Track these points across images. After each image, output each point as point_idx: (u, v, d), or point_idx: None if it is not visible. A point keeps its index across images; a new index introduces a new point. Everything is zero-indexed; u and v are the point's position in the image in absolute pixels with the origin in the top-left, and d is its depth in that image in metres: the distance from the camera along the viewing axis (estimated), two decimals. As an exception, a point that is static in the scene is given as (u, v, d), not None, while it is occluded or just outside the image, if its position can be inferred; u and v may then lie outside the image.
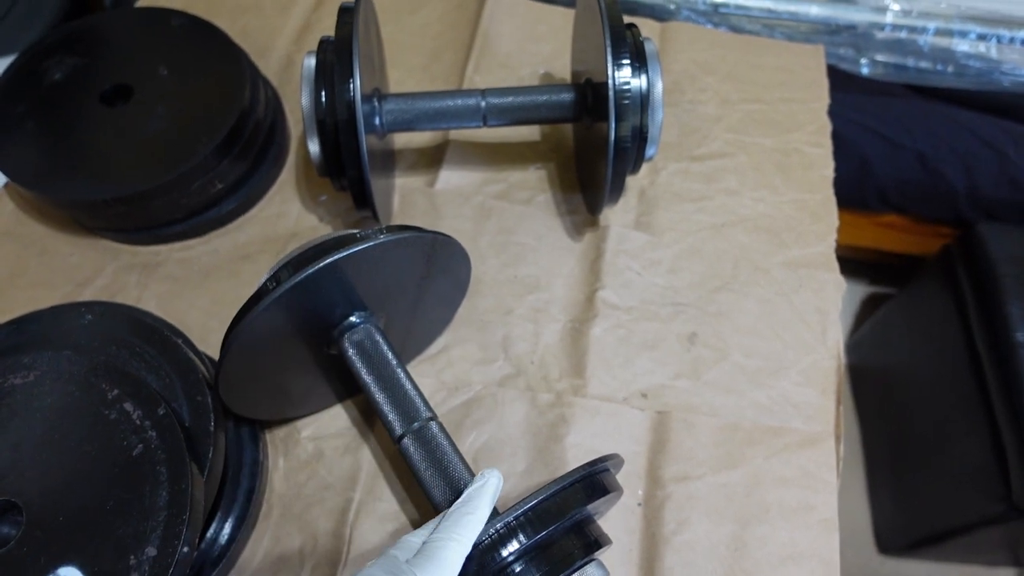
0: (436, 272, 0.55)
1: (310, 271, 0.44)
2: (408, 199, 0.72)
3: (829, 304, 0.67)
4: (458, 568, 0.40)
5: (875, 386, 1.35)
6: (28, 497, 0.42)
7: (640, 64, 0.58)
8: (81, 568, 0.40)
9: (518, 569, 0.41)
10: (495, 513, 0.46)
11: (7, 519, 0.43)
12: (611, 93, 0.55)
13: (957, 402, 1.07)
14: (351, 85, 0.55)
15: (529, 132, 0.77)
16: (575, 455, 0.59)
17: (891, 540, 1.26)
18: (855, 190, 1.14)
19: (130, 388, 0.45)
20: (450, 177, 0.73)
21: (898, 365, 1.27)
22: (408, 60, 0.82)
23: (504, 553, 0.40)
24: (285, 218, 0.71)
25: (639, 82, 0.58)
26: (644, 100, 0.58)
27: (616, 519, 0.56)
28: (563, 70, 0.81)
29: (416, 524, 0.56)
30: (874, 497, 1.31)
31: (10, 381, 0.45)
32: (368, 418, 0.61)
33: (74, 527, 0.42)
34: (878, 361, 1.34)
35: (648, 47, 0.59)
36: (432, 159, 0.74)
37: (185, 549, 0.41)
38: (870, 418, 1.35)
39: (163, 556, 0.40)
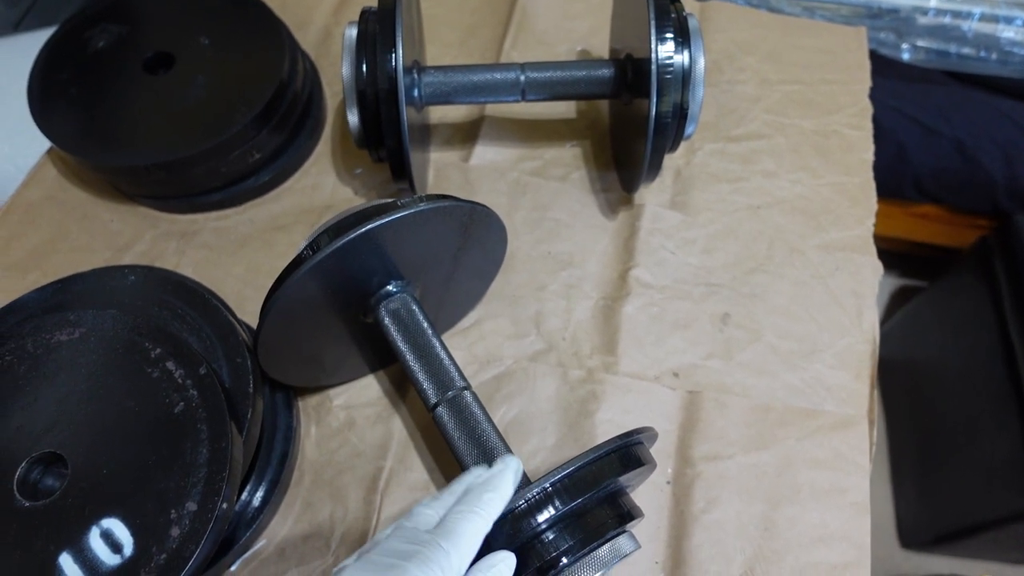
0: (472, 244, 0.55)
1: (352, 236, 0.45)
2: (443, 174, 0.72)
3: (866, 287, 0.66)
4: (479, 543, 0.39)
5: (903, 379, 1.33)
6: (72, 450, 0.43)
7: (683, 39, 0.57)
8: (123, 520, 0.41)
9: (551, 536, 0.41)
10: (526, 483, 0.46)
11: (52, 471, 0.44)
12: (653, 68, 0.54)
13: (988, 397, 1.05)
14: (393, 55, 0.55)
15: (565, 109, 0.77)
16: (605, 431, 0.59)
17: (914, 535, 1.25)
18: (891, 178, 1.12)
19: (172, 347, 0.46)
20: (485, 152, 0.73)
21: (928, 358, 1.26)
22: (444, 36, 0.82)
23: (538, 519, 0.40)
24: (320, 190, 0.72)
25: (681, 58, 0.57)
26: (686, 76, 0.58)
27: (645, 496, 0.56)
28: (600, 48, 0.80)
29: (445, 494, 0.57)
30: (898, 491, 1.30)
31: (56, 337, 0.46)
32: (399, 389, 0.61)
33: (117, 480, 0.42)
34: (907, 354, 1.32)
35: (691, 23, 0.59)
36: (467, 134, 0.74)
37: (224, 505, 0.42)
38: (896, 411, 1.34)
39: (203, 511, 0.41)
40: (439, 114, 0.76)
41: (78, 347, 0.46)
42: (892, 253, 1.38)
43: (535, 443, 0.59)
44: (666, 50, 0.55)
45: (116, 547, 0.40)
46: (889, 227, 1.23)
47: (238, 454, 0.44)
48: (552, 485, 0.41)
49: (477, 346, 0.63)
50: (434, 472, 0.58)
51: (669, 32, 0.55)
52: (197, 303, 0.52)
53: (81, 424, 0.44)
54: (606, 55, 0.76)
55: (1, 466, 0.42)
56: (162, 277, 0.53)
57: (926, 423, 1.23)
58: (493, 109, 0.76)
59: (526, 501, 0.40)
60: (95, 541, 0.40)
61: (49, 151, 0.74)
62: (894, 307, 1.48)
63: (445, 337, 0.63)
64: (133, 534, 0.41)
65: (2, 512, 0.41)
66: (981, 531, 1.06)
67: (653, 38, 0.54)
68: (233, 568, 0.53)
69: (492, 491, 0.41)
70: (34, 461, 0.43)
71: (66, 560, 0.40)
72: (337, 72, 0.79)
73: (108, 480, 0.42)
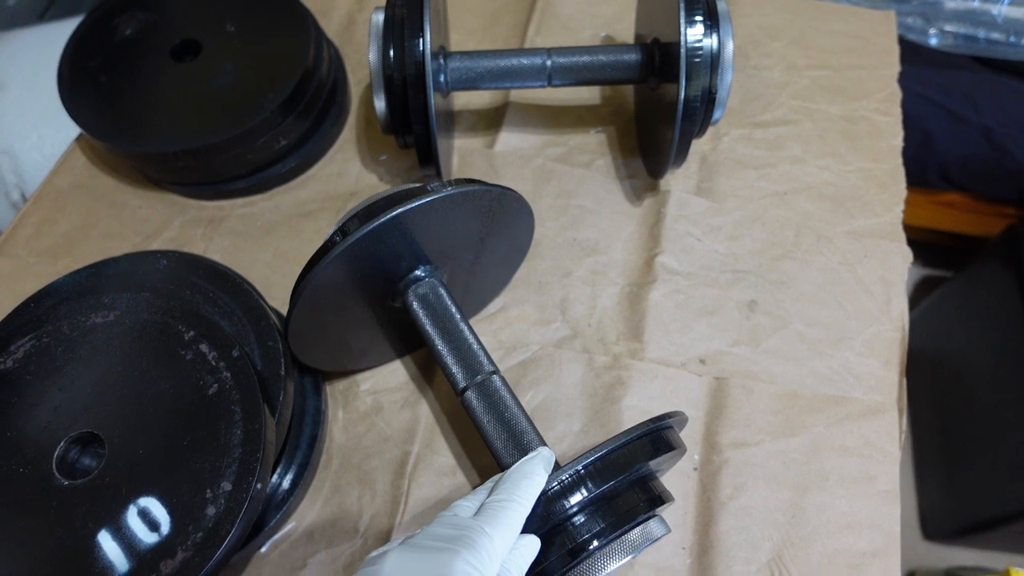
0: (498, 229, 0.55)
1: (382, 219, 0.45)
2: (467, 160, 0.72)
3: (895, 275, 0.66)
4: (520, 528, 0.40)
5: (926, 370, 1.32)
6: (109, 430, 0.44)
7: (712, 23, 0.57)
8: (160, 499, 0.42)
9: (582, 519, 0.42)
10: (556, 467, 0.46)
11: (89, 451, 0.45)
12: (683, 51, 0.54)
13: (1016, 389, 1.04)
14: (420, 40, 0.55)
15: (589, 95, 0.76)
16: (631, 417, 0.59)
17: (937, 526, 1.24)
18: (916, 167, 1.10)
19: (205, 330, 0.46)
20: (509, 139, 0.73)
21: (952, 349, 1.24)
22: (467, 22, 0.81)
23: (570, 502, 0.41)
24: (345, 176, 0.72)
25: (710, 41, 0.56)
26: (714, 60, 0.57)
27: (672, 482, 0.56)
28: (625, 34, 0.80)
29: (472, 480, 0.57)
30: (921, 483, 1.29)
31: (92, 320, 0.47)
32: (426, 374, 0.62)
33: (153, 460, 0.43)
34: (930, 345, 1.31)
35: (720, 6, 0.58)
36: (491, 121, 0.74)
37: (259, 485, 0.42)
38: (919, 402, 1.33)
39: (238, 491, 0.42)
40: (463, 100, 0.76)
41: (113, 330, 0.47)
42: (915, 242, 1.36)
43: (561, 429, 0.59)
44: (695, 33, 0.54)
45: (153, 525, 0.41)
46: (913, 216, 1.21)
47: (271, 435, 0.45)
48: (584, 467, 0.41)
49: (503, 332, 0.63)
50: (461, 457, 0.58)
51: (698, 15, 0.55)
52: (228, 287, 0.52)
53: (117, 405, 0.45)
54: (631, 41, 0.76)
55: (40, 445, 0.43)
56: (193, 261, 0.54)
57: (950, 414, 1.22)
58: (517, 95, 0.76)
59: (559, 483, 0.41)
60: (133, 519, 0.41)
61: (78, 138, 0.75)
62: (917, 297, 1.46)
63: (471, 323, 0.63)
64: (170, 513, 0.41)
65: (42, 490, 0.42)
66: (1006, 523, 1.05)
67: (682, 21, 0.54)
68: (263, 550, 0.54)
69: (528, 478, 0.41)
70: (72, 440, 0.44)
71: (104, 537, 0.41)
72: (361, 60, 0.79)
73: (144, 460, 0.43)
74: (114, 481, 0.42)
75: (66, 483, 0.42)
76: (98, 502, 0.42)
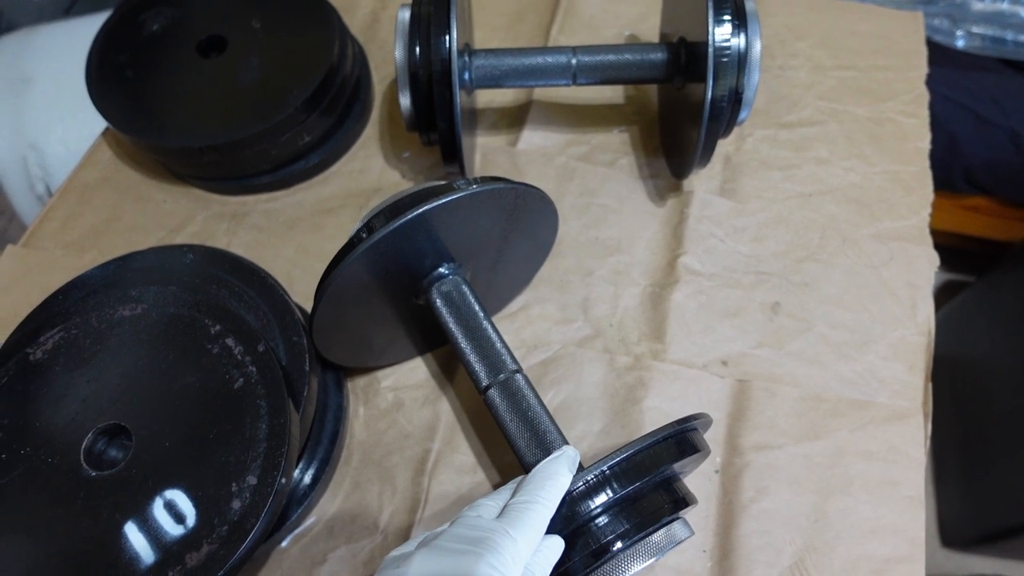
0: (521, 227, 0.55)
1: (409, 216, 0.45)
2: (490, 158, 0.72)
3: (921, 278, 0.65)
4: (543, 530, 0.39)
5: (947, 375, 1.30)
6: (136, 422, 0.44)
7: (740, 22, 0.56)
8: (186, 492, 0.42)
9: (606, 520, 0.41)
10: (579, 468, 0.46)
11: (116, 442, 0.45)
12: (711, 50, 0.53)
13: (1039, 394, 1.02)
14: (447, 37, 0.55)
15: (613, 94, 0.76)
16: (652, 418, 0.59)
17: (956, 533, 1.22)
18: (941, 170, 1.09)
19: (231, 325, 0.47)
20: (532, 137, 0.73)
21: (974, 354, 1.23)
22: (491, 20, 0.81)
23: (595, 503, 0.40)
24: (368, 173, 0.72)
25: (738, 41, 0.56)
26: (742, 60, 0.57)
27: (693, 485, 0.56)
28: (649, 33, 0.79)
29: (492, 478, 0.57)
30: (941, 489, 1.28)
31: (120, 312, 0.47)
32: (447, 372, 0.62)
33: (179, 453, 0.43)
34: (952, 350, 1.29)
35: (748, 5, 0.58)
36: (514, 119, 0.74)
37: (283, 480, 0.42)
38: (940, 408, 1.30)
39: (263, 485, 0.42)
40: (486, 98, 0.76)
41: (140, 323, 0.47)
42: (939, 246, 1.34)
43: (582, 428, 0.59)
44: (723, 32, 0.54)
45: (179, 518, 0.41)
46: (938, 219, 1.19)
47: (295, 430, 0.45)
48: (610, 468, 0.40)
49: (524, 331, 0.63)
50: (481, 456, 0.58)
51: (727, 14, 0.54)
52: (254, 282, 0.53)
53: (144, 397, 0.45)
54: (655, 41, 0.75)
55: (68, 436, 0.43)
56: (219, 256, 0.54)
57: (971, 420, 1.20)
58: (540, 93, 0.75)
59: (584, 484, 0.40)
60: (159, 511, 0.41)
61: (104, 133, 0.75)
62: (940, 301, 1.45)
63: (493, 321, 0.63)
64: (195, 505, 0.41)
65: (70, 480, 0.42)
66: (1029, 531, 1.04)
67: (711, 20, 0.53)
68: (284, 544, 0.54)
69: (552, 479, 0.41)
70: (100, 432, 0.44)
71: (131, 529, 0.41)
72: (384, 57, 0.79)
73: (171, 452, 0.43)
74: (141, 473, 0.43)
75: (93, 474, 0.43)
76: (125, 494, 0.42)
